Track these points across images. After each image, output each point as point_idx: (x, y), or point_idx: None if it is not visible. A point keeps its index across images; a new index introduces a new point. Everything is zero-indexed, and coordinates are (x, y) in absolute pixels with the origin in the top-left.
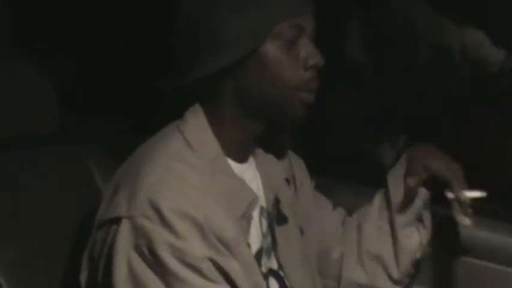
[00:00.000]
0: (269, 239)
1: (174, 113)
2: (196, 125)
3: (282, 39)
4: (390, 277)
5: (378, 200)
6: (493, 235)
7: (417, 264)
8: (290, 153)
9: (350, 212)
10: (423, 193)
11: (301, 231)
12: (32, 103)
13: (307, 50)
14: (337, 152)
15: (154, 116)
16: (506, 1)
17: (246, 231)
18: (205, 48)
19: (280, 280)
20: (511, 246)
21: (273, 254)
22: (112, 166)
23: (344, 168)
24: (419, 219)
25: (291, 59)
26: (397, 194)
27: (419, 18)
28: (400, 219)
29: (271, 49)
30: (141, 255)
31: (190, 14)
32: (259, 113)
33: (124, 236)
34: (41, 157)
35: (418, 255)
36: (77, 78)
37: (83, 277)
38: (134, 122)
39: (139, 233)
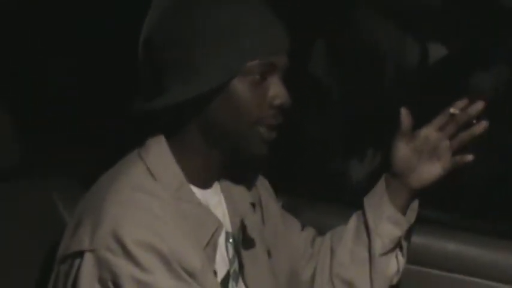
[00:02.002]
0: (236, 264)
1: (139, 139)
2: (158, 154)
3: (252, 76)
4: None
5: (353, 223)
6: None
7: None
8: (255, 174)
9: (320, 231)
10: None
11: (269, 254)
12: None
13: (275, 89)
14: (306, 171)
15: (119, 141)
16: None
17: (211, 258)
18: (175, 76)
19: None
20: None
21: (240, 278)
22: (77, 198)
23: (313, 187)
24: (399, 246)
25: (258, 96)
26: (375, 219)
27: (384, 36)
28: (379, 246)
29: (240, 85)
30: None
31: (160, 46)
32: (222, 145)
33: (87, 270)
34: (2, 191)
35: (395, 281)
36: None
37: None
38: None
39: (103, 266)
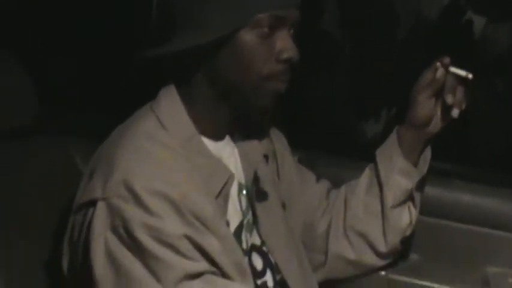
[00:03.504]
0: (250, 216)
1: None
2: (169, 104)
3: (260, 28)
4: (377, 253)
5: (366, 176)
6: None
7: (405, 240)
8: (270, 127)
9: (336, 184)
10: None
11: (284, 206)
12: (10, 94)
13: (283, 42)
14: (322, 126)
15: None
16: None
17: (223, 209)
18: (184, 24)
19: (263, 256)
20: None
21: (255, 230)
22: (93, 151)
23: (329, 142)
24: (411, 198)
25: (265, 49)
26: (387, 172)
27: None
28: (390, 198)
29: (248, 36)
30: (118, 236)
31: None
32: (231, 98)
33: (100, 218)
34: (21, 147)
35: (408, 233)
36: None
37: (64, 261)
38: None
39: (115, 214)
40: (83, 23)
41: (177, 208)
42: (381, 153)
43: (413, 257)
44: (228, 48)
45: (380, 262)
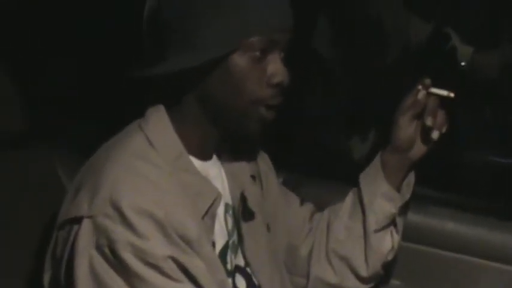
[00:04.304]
0: (235, 236)
1: (140, 112)
2: (158, 123)
3: (252, 52)
4: (359, 278)
5: (349, 199)
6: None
7: (387, 266)
8: (256, 148)
9: (320, 208)
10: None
11: (268, 228)
12: None
13: (274, 66)
14: (307, 148)
15: (122, 115)
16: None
17: (210, 229)
18: (177, 45)
19: (247, 277)
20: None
21: (239, 250)
22: (79, 166)
23: (313, 164)
24: (394, 224)
25: (256, 73)
26: (370, 196)
27: (391, 18)
28: (373, 222)
29: (240, 60)
30: (103, 255)
31: (164, 13)
32: (219, 120)
33: (85, 236)
34: (5, 160)
35: (390, 257)
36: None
37: (46, 277)
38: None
39: (100, 232)
40: (79, 28)
41: (163, 228)
42: (364, 177)
43: (395, 282)
44: (219, 70)
45: (361, 287)
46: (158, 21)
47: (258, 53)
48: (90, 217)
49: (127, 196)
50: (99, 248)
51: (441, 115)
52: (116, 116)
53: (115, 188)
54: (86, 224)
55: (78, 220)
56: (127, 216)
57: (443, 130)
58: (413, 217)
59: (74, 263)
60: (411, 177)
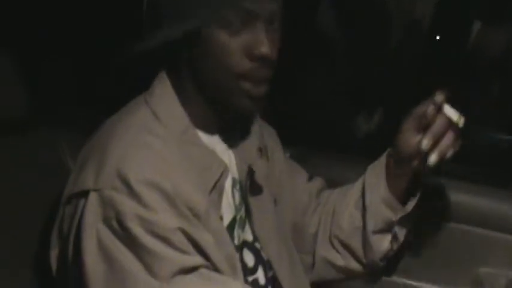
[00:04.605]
0: (243, 211)
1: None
2: (163, 96)
3: (229, 24)
4: (361, 264)
5: (358, 186)
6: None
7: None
8: (261, 123)
9: (328, 181)
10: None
11: (275, 202)
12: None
13: (254, 38)
14: (314, 122)
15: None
16: None
17: (217, 203)
18: (165, 18)
19: (255, 252)
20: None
21: (247, 225)
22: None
23: (321, 138)
24: (393, 233)
25: (236, 46)
26: (372, 198)
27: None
28: (371, 224)
29: (218, 33)
30: (110, 227)
31: None
32: (211, 96)
33: (92, 209)
34: (11, 144)
35: (390, 254)
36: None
37: (53, 254)
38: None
39: (107, 205)
40: (78, 20)
41: (171, 200)
42: (370, 173)
43: (405, 257)
44: (201, 44)
45: (367, 270)
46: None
47: (237, 25)
48: (96, 190)
49: (134, 168)
50: (106, 221)
51: (449, 139)
52: (120, 97)
53: (122, 161)
54: (93, 197)
55: (84, 194)
56: (134, 188)
57: (448, 155)
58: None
59: (81, 237)
60: (417, 191)
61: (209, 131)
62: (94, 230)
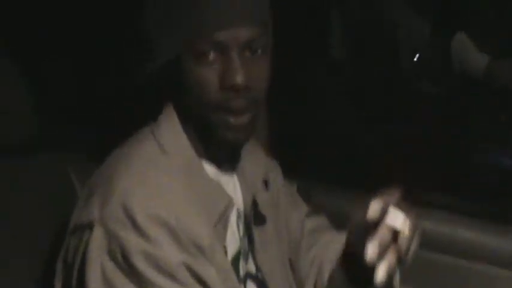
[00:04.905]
0: (246, 242)
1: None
2: (169, 129)
3: (200, 55)
4: None
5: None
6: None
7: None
8: (264, 155)
9: (332, 216)
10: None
11: (279, 233)
12: (7, 110)
13: (225, 67)
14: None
15: (133, 122)
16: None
17: (222, 236)
18: (145, 52)
19: (258, 283)
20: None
21: (250, 257)
22: (91, 172)
23: (327, 172)
24: None
25: (209, 77)
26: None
27: (405, 23)
28: None
29: (188, 64)
30: (115, 261)
31: (143, 18)
32: (197, 127)
33: (97, 242)
34: (17, 165)
35: None
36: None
37: (58, 283)
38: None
39: (112, 238)
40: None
41: (175, 234)
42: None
43: None
44: (178, 76)
45: None
46: (138, 29)
47: (211, 55)
48: (101, 223)
49: (139, 202)
50: (111, 254)
51: (393, 253)
52: (125, 119)
53: (127, 194)
54: (98, 230)
55: (89, 226)
56: (139, 222)
57: (393, 271)
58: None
59: (85, 269)
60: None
61: (214, 162)
62: (99, 263)
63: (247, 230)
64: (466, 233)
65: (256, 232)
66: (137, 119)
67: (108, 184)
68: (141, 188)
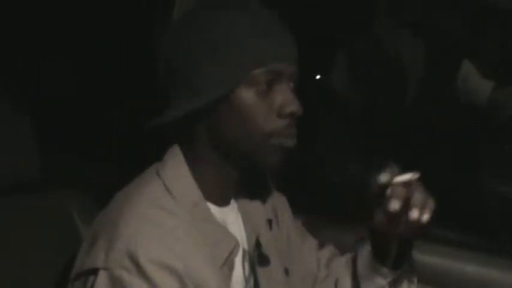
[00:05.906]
0: (252, 282)
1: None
2: (175, 170)
3: (257, 85)
4: None
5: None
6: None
7: None
8: (272, 190)
9: (340, 249)
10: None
11: (287, 271)
12: (9, 149)
13: (283, 97)
14: (326, 189)
15: (139, 159)
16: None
17: (227, 278)
18: (179, 91)
19: None
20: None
21: None
22: (94, 212)
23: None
24: None
25: (265, 106)
26: (363, 269)
27: (410, 55)
28: None
29: (245, 95)
30: None
31: (169, 58)
32: (234, 158)
33: (101, 287)
34: (20, 204)
35: None
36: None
37: None
38: (118, 165)
39: (117, 285)
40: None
41: (181, 280)
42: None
43: None
44: (227, 108)
45: None
46: (165, 69)
47: (264, 86)
48: (106, 269)
49: (144, 248)
50: None
51: (419, 195)
52: (130, 158)
53: (132, 239)
54: (102, 276)
55: (94, 272)
56: (144, 268)
57: (425, 217)
58: (431, 259)
59: None
60: (407, 251)
61: (220, 202)
62: None
63: (252, 269)
64: (477, 269)
65: (261, 272)
66: (140, 157)
67: (113, 228)
68: (146, 232)
